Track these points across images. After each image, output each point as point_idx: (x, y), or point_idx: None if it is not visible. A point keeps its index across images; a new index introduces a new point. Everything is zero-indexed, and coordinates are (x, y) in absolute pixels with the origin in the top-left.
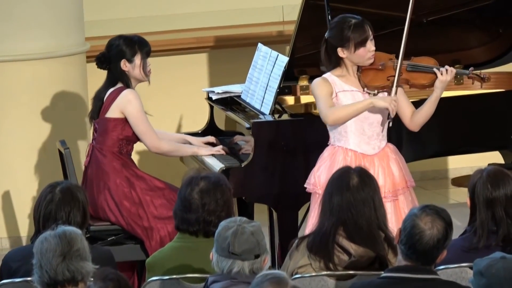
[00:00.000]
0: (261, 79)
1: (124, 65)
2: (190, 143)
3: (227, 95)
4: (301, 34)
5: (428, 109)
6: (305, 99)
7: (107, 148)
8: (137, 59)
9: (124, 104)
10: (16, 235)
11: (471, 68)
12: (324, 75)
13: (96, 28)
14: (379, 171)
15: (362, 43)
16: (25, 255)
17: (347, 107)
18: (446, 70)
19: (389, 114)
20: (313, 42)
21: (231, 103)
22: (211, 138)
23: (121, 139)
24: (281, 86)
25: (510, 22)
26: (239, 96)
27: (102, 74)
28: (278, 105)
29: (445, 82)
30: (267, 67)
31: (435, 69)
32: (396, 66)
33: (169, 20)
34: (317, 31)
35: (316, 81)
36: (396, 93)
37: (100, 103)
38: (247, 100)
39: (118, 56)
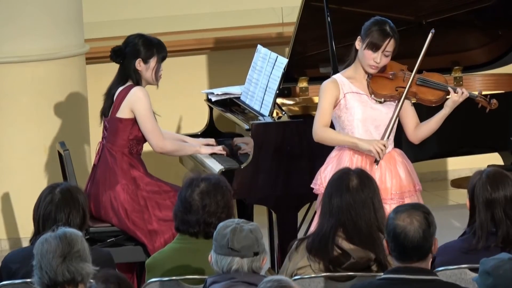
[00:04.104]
0: (261, 81)
1: (139, 64)
2: None
3: (227, 96)
4: (301, 35)
5: (433, 124)
6: (304, 100)
7: (117, 148)
8: (153, 62)
9: (133, 102)
10: (16, 237)
11: (479, 90)
12: (334, 76)
13: (96, 30)
14: (386, 173)
15: (372, 46)
16: (24, 256)
17: (335, 135)
18: (462, 92)
19: (375, 158)
20: (313, 44)
21: (231, 104)
22: (211, 141)
23: (131, 139)
24: (280, 87)
25: (509, 23)
26: (238, 98)
27: (102, 76)
28: (277, 107)
29: (457, 103)
30: (266, 69)
31: (450, 88)
32: (407, 77)
33: (169, 22)
34: (316, 32)
35: (325, 83)
36: (388, 137)
37: (110, 101)
38: (247, 102)
39: (134, 55)
